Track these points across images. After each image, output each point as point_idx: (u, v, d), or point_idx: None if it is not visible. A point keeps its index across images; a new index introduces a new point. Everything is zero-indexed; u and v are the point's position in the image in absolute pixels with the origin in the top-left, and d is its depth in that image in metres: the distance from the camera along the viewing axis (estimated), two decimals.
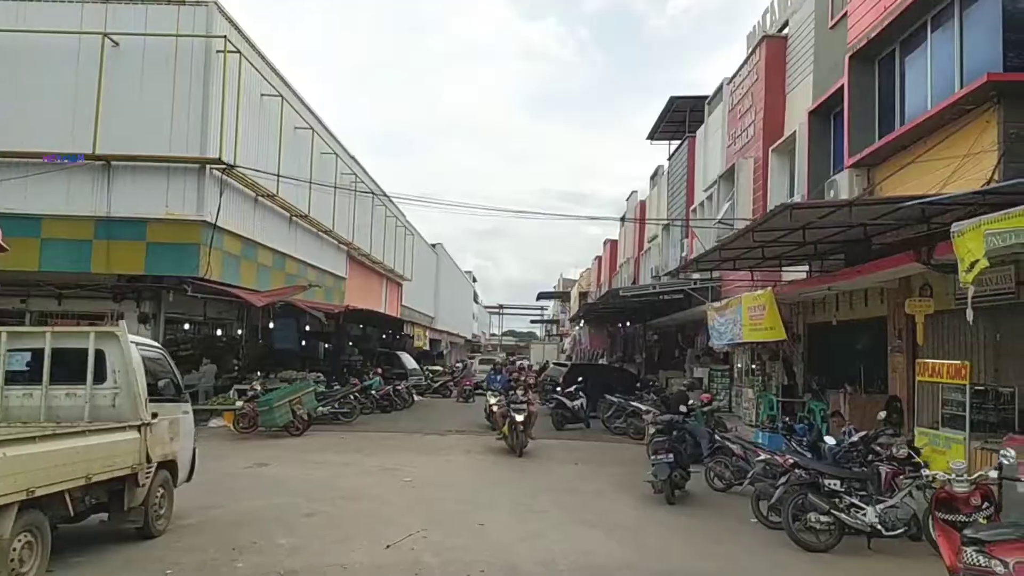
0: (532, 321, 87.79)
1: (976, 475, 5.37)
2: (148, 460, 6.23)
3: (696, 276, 18.51)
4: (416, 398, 25.91)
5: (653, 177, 28.59)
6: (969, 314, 6.82)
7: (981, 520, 5.10)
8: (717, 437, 10.45)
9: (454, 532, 7.41)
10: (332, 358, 28.66)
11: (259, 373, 17.17)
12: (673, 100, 22.86)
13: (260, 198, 18.76)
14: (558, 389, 18.61)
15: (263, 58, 18.92)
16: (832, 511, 6.91)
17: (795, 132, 13.89)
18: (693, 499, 9.47)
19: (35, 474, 4.67)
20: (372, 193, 28.91)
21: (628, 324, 27.09)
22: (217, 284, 16.29)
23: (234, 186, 17.15)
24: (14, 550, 4.59)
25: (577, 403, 17.99)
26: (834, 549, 6.91)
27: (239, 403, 14.80)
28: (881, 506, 6.97)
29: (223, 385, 17.62)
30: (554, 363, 25.48)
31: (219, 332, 21.07)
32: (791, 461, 7.65)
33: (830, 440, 8.56)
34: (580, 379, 18.42)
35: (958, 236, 6.80)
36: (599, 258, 45.23)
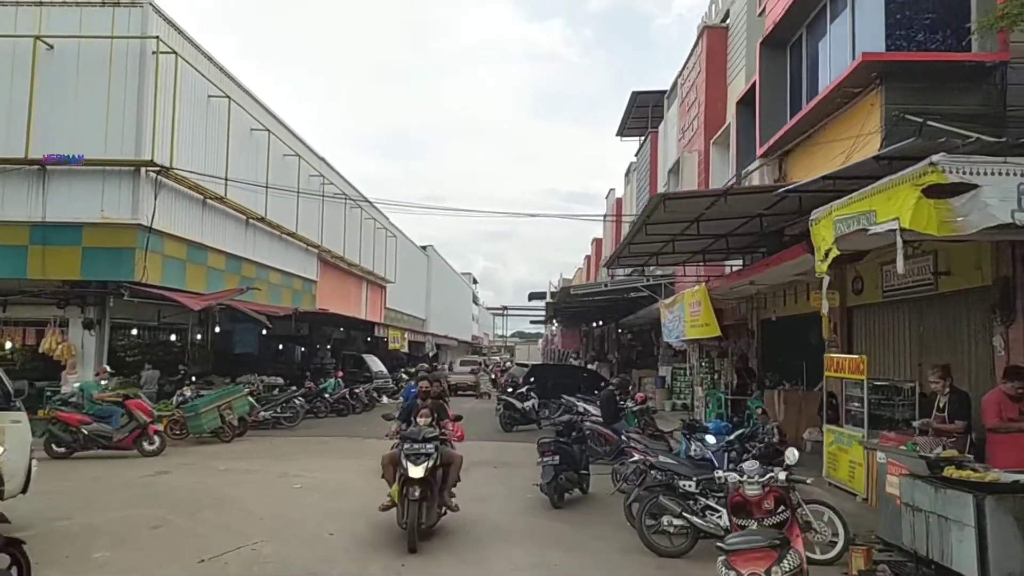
0: (532, 322, 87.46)
1: (766, 476, 5.00)
2: None
3: (659, 273, 18.14)
4: (386, 400, 25.75)
5: (627, 174, 28.23)
6: (824, 306, 6.43)
7: (767, 525, 4.74)
8: (623, 438, 10.08)
9: (293, 542, 7.11)
10: (305, 361, 28.55)
11: (194, 379, 16.95)
12: (636, 95, 22.45)
13: (209, 200, 18.59)
14: (509, 390, 18.30)
15: (209, 59, 18.74)
16: (684, 513, 6.55)
17: (730, 123, 13.50)
18: (587, 502, 9.11)
19: None
20: (345, 196, 28.71)
21: (600, 323, 26.66)
22: (155, 288, 16.10)
23: (175, 188, 16.96)
24: None
25: (528, 404, 17.66)
26: (689, 554, 6.53)
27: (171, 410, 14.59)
28: None
29: (169, 391, 17.46)
30: (517, 363, 25.17)
31: (173, 337, 20.95)
32: (648, 462, 7.30)
33: (710, 439, 8.19)
34: (532, 379, 18.07)
35: (814, 224, 6.43)
36: (588, 257, 44.90)
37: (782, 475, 4.93)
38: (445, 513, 7.64)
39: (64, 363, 16.27)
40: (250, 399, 14.91)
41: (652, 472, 7.21)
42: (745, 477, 4.94)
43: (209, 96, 18.48)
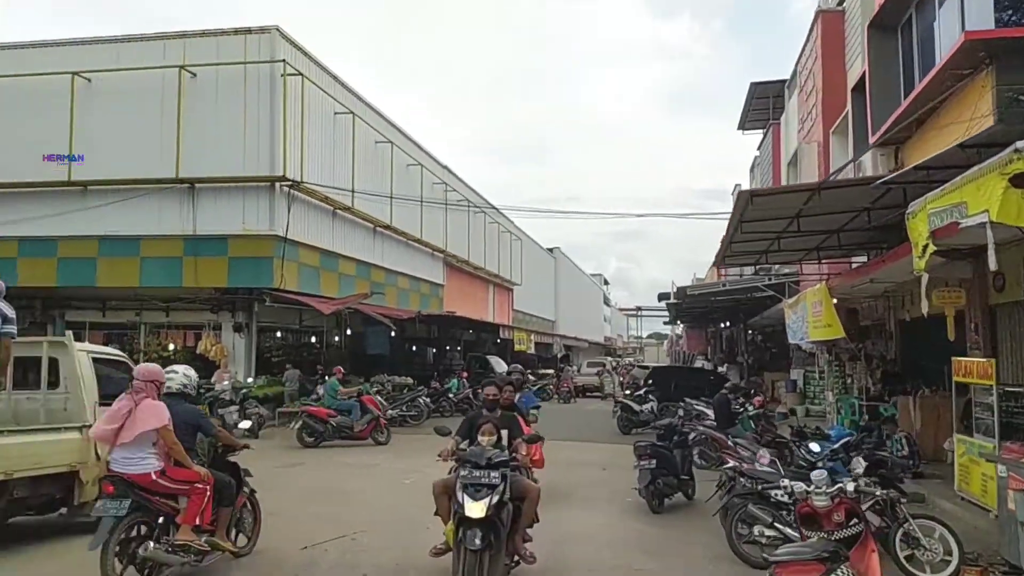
0: (664, 323, 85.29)
1: (834, 488, 4.63)
2: (98, 459, 6.81)
3: (786, 271, 17.27)
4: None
5: (752, 169, 26.99)
6: (924, 306, 5.90)
7: (836, 538, 4.39)
8: (731, 443, 9.67)
9: (391, 534, 7.42)
10: (436, 362, 29.64)
11: (326, 378, 18.02)
12: (755, 87, 21.38)
13: (338, 211, 19.80)
14: (626, 392, 18.06)
15: (334, 78, 19.96)
16: (776, 524, 6.21)
17: (847, 112, 12.59)
18: (689, 508, 8.82)
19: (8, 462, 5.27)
20: (468, 202, 29.52)
21: (727, 324, 25.63)
22: (292, 293, 17.33)
23: (306, 201, 18.19)
24: None
25: (647, 407, 17.36)
26: None
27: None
28: None
29: (309, 390, 18.73)
30: (638, 365, 24.69)
31: (312, 339, 22.44)
32: (738, 468, 6.98)
33: (814, 447, 7.68)
34: (651, 382, 17.73)
35: (910, 219, 5.91)
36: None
37: (851, 486, 4.59)
38: (517, 564, 5.87)
39: (218, 363, 17.84)
40: (377, 398, 15.69)
41: (742, 480, 6.89)
42: (812, 487, 4.64)
43: (335, 113, 19.66)
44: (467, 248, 29.87)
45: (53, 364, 6.97)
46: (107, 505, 4.85)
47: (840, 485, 4.58)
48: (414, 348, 31.79)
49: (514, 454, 6.11)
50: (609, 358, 49.97)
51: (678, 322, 34.89)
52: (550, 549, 6.74)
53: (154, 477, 5.32)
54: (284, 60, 17.00)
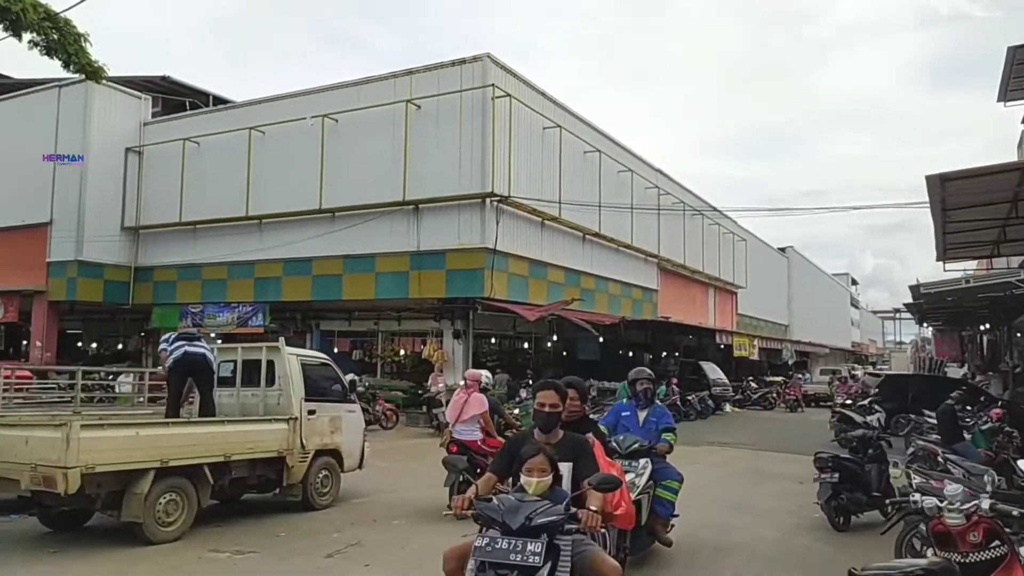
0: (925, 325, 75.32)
1: (968, 505, 3.98)
2: (303, 447, 8.11)
3: None
4: (729, 408, 25.30)
5: (1020, 146, 23.12)
6: None
7: (971, 561, 3.80)
8: (942, 457, 8.60)
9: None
10: (652, 368, 29.47)
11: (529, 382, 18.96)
12: (1013, 51, 18.33)
13: (546, 222, 20.69)
14: (848, 402, 16.59)
15: (543, 95, 20.92)
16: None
17: None
18: (880, 528, 8.03)
19: (167, 450, 6.61)
20: (684, 205, 29.01)
21: (987, 326, 22.15)
22: (501, 302, 18.51)
23: (515, 214, 19.26)
24: (160, 504, 6.53)
25: (873, 418, 15.85)
26: None
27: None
28: None
29: (516, 392, 19.81)
30: (868, 373, 22.19)
31: (525, 345, 23.61)
32: (921, 486, 6.22)
33: (1022, 463, 6.61)
34: (877, 391, 16.09)
35: None
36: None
37: (986, 503, 4.00)
38: None
39: (440, 367, 19.57)
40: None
41: (913, 499, 6.20)
42: (945, 503, 4.12)
43: (544, 128, 20.59)
44: (682, 251, 29.34)
45: (270, 366, 8.39)
46: (452, 458, 5.95)
47: (976, 502, 4.09)
48: (631, 354, 31.87)
49: (576, 508, 3.62)
50: (858, 366, 45.70)
51: (924, 324, 30.96)
52: (702, 558, 6.65)
53: (479, 444, 8.41)
54: (493, 84, 18.23)
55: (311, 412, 8.30)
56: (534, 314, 17.85)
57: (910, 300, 20.27)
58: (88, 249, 22.07)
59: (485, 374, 9.36)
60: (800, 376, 32.60)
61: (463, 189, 18.40)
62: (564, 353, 26.10)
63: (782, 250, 47.25)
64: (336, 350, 22.72)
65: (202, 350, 7.85)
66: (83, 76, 17.59)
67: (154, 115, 24.32)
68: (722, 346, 33.73)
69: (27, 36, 15.98)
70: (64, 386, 13.07)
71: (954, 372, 24.72)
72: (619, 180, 24.69)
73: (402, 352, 21.35)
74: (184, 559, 6.22)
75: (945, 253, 11.49)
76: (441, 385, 18.14)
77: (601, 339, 22.21)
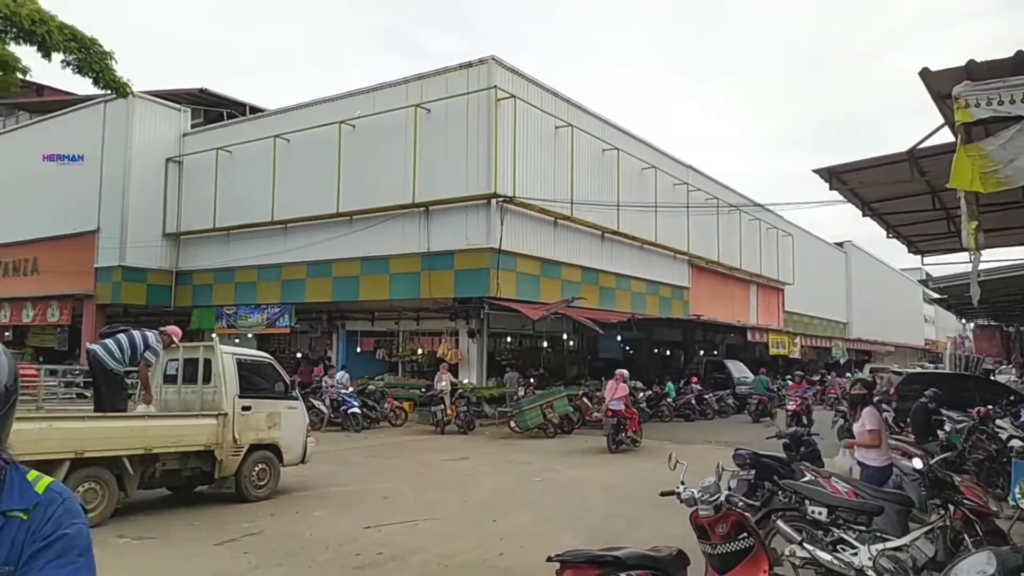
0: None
1: (714, 497, 3.90)
2: (235, 441, 8.50)
3: None
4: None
5: None
6: None
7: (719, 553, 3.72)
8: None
9: (453, 525, 7.89)
10: (684, 367, 28.96)
11: (559, 381, 18.99)
12: None
13: (559, 221, 20.70)
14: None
15: (555, 95, 20.95)
16: (805, 544, 5.36)
17: None
18: None
19: (83, 442, 7.10)
20: (717, 200, 28.36)
21: None
22: (506, 301, 18.66)
23: (523, 214, 19.35)
24: (78, 493, 7.10)
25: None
26: None
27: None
28: (881, 546, 5.12)
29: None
30: (893, 372, 20.98)
31: (544, 344, 23.64)
32: (783, 482, 6.05)
33: (916, 463, 6.34)
34: (886, 390, 15.35)
35: None
36: None
37: (723, 497, 3.93)
38: None
39: (444, 366, 19.83)
40: (565, 401, 16.20)
41: (779, 494, 6.02)
42: (699, 495, 4.06)
43: (556, 127, 20.62)
44: (716, 248, 28.68)
45: (207, 364, 8.85)
46: (608, 421, 9.42)
47: (719, 495, 4.06)
48: (668, 352, 31.42)
49: None
50: (929, 364, 43.42)
51: (963, 320, 29.15)
52: None
53: (623, 411, 13.98)
54: (496, 86, 18.41)
55: (246, 408, 8.70)
56: (537, 313, 17.92)
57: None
58: (132, 255, 23.45)
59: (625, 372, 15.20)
60: (837, 375, 31.29)
61: (469, 190, 18.64)
62: (575, 351, 25.97)
63: (839, 245, 45.41)
64: (360, 349, 23.46)
65: (95, 347, 8.32)
66: (111, 91, 18.96)
67: (194, 126, 25.61)
68: (758, 345, 32.83)
69: (57, 56, 17.38)
70: (68, 383, 14.03)
71: (1004, 373, 23.24)
72: (643, 177, 24.40)
73: (419, 351, 21.78)
74: None
75: (913, 247, 10.88)
76: (444, 383, 18.41)
77: (619, 337, 22.02)
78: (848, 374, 33.44)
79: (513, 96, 18.74)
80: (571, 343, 24.52)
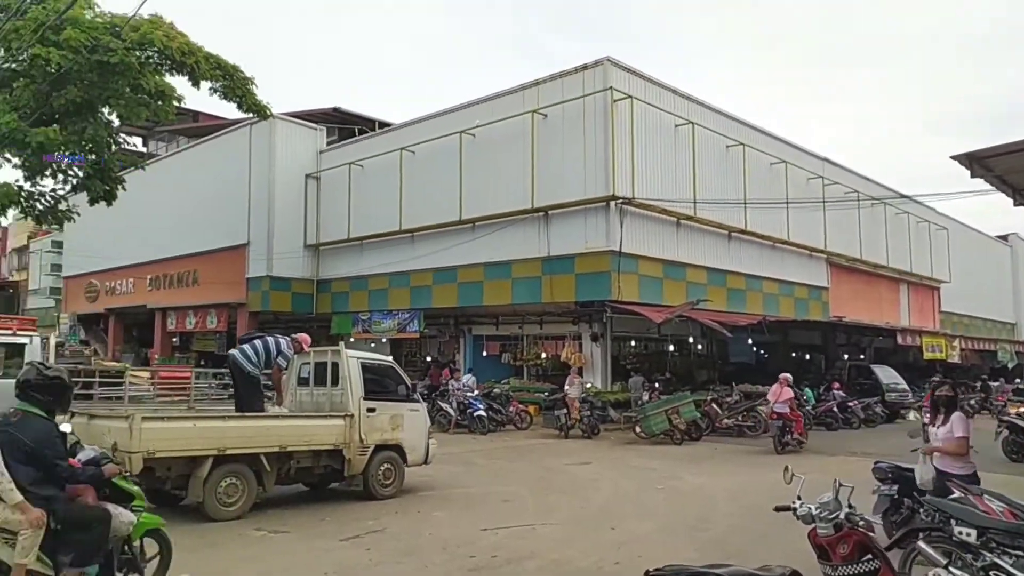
0: None
1: (832, 515, 3.47)
2: (361, 442, 8.88)
3: None
4: (914, 416, 22.73)
5: None
6: None
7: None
8: None
9: (571, 530, 7.78)
10: (826, 371, 27.26)
11: (686, 386, 18.42)
12: None
13: (682, 221, 20.16)
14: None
15: (674, 92, 20.47)
16: (951, 568, 4.81)
17: None
18: None
19: (224, 440, 7.65)
20: (858, 194, 26.51)
21: None
22: (628, 304, 18.37)
23: (643, 215, 19.02)
24: (221, 487, 7.62)
25: None
26: None
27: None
28: None
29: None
30: None
31: (671, 348, 23.01)
32: (926, 499, 5.44)
33: None
34: None
35: None
36: None
37: (843, 513, 3.53)
38: None
39: (575, 369, 19.81)
40: (691, 407, 15.65)
41: (922, 512, 5.43)
42: (817, 512, 3.69)
43: (675, 125, 20.12)
44: (858, 244, 26.82)
45: (335, 368, 9.30)
46: (774, 423, 10.28)
47: (838, 512, 3.73)
48: (807, 357, 29.71)
49: None
50: None
51: None
52: None
53: (788, 414, 14.55)
54: (611, 87, 18.23)
55: (371, 410, 9.09)
56: (660, 316, 17.51)
57: None
58: (278, 265, 25.20)
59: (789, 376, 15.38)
60: (1006, 381, 28.24)
61: (588, 193, 18.56)
62: (704, 355, 25.05)
63: (1003, 238, 41.13)
64: (486, 353, 23.90)
65: (234, 352, 8.93)
66: (254, 115, 20.48)
67: (330, 143, 27.17)
68: (911, 348, 30.33)
69: (205, 84, 19.00)
70: (214, 385, 15.20)
71: None
72: (772, 173, 23.30)
73: (543, 355, 21.89)
74: (224, 535, 7.23)
75: None
76: (575, 388, 18.35)
77: (750, 340, 21.11)
78: (1017, 380, 30.23)
79: (630, 96, 18.49)
80: (699, 347, 23.76)
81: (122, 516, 4.90)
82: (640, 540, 7.56)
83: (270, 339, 9.07)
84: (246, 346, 8.90)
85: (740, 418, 16.97)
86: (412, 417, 9.66)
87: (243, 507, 7.87)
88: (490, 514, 8.54)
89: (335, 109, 27.50)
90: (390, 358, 10.52)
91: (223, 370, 18.65)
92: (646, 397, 16.76)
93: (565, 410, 16.91)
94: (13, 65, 17.00)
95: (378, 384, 9.39)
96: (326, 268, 26.14)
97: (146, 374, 21.99)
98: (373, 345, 24.61)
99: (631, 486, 10.77)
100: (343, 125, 28.16)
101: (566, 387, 18.36)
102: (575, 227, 19.01)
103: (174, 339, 30.83)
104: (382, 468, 9.21)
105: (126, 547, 5.07)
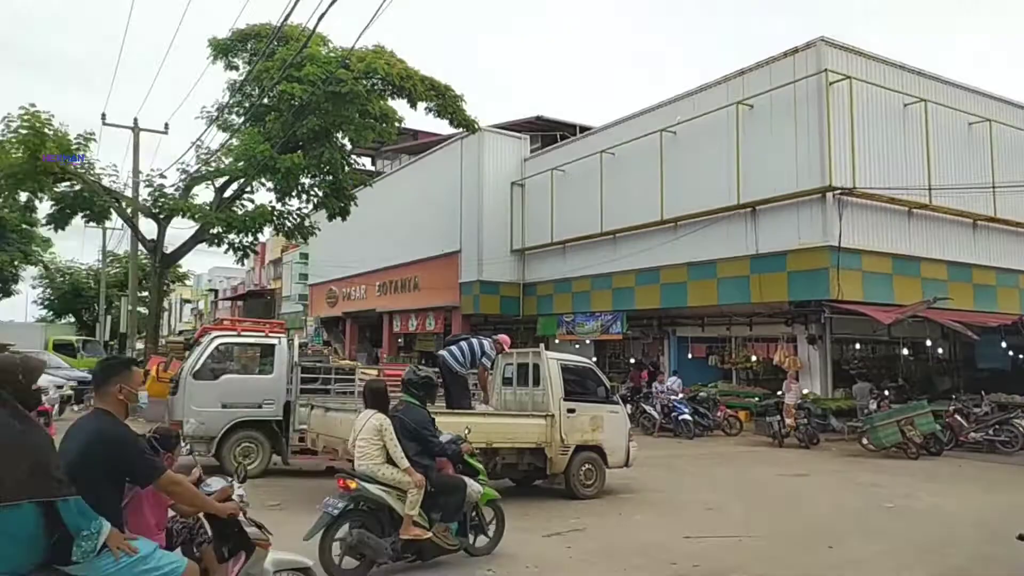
0: None
1: None
2: (562, 442, 9.03)
3: None
4: None
5: None
6: None
7: None
8: None
9: (781, 546, 7.25)
10: None
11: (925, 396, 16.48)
12: None
13: (914, 211, 18.16)
14: None
15: (904, 69, 18.50)
16: None
17: None
18: None
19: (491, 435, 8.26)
20: None
21: None
22: (850, 304, 16.89)
23: (866, 205, 17.40)
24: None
25: None
26: None
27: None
28: None
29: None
30: None
31: (905, 351, 20.68)
32: None
33: None
34: None
35: None
36: None
37: None
38: None
39: (792, 374, 18.62)
40: (929, 418, 13.95)
41: None
42: None
43: (904, 105, 18.19)
44: None
45: (535, 369, 9.57)
46: None
47: None
48: None
49: None
50: None
51: None
52: None
53: None
54: (827, 69, 16.91)
55: (570, 411, 9.26)
56: (890, 316, 15.87)
57: None
58: (487, 270, 26.52)
59: None
60: None
61: (800, 186, 17.37)
62: (944, 359, 22.14)
63: None
64: (691, 355, 23.27)
65: (443, 352, 9.44)
66: (463, 129, 21.81)
67: (533, 150, 28.06)
68: None
69: (421, 105, 20.57)
70: None
71: None
72: None
73: (753, 358, 20.84)
74: None
75: None
76: (792, 395, 17.28)
77: (1004, 343, 18.47)
78: None
79: (848, 77, 17.00)
80: (939, 351, 21.15)
81: (473, 486, 6.29)
82: (862, 563, 6.94)
83: (474, 340, 9.59)
84: (453, 347, 9.49)
85: (992, 432, 14.86)
86: (612, 419, 9.70)
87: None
88: (693, 522, 8.32)
89: (538, 117, 28.34)
90: (591, 360, 10.66)
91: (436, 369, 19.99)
92: (874, 406, 15.27)
93: (779, 417, 15.95)
94: (265, 101, 19.68)
95: (578, 385, 9.55)
96: (531, 271, 27.00)
97: (374, 372, 24.12)
98: (577, 346, 24.98)
99: (854, 502, 9.90)
100: (546, 132, 28.94)
101: (783, 392, 17.32)
102: (786, 222, 17.86)
103: (399, 340, 33.62)
104: (583, 468, 9.36)
105: (474, 513, 6.44)
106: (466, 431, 6.99)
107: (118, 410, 3.53)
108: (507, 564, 6.49)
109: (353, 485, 5.79)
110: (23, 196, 20.11)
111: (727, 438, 17.68)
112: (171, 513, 4.07)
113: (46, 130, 18.28)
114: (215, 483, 4.19)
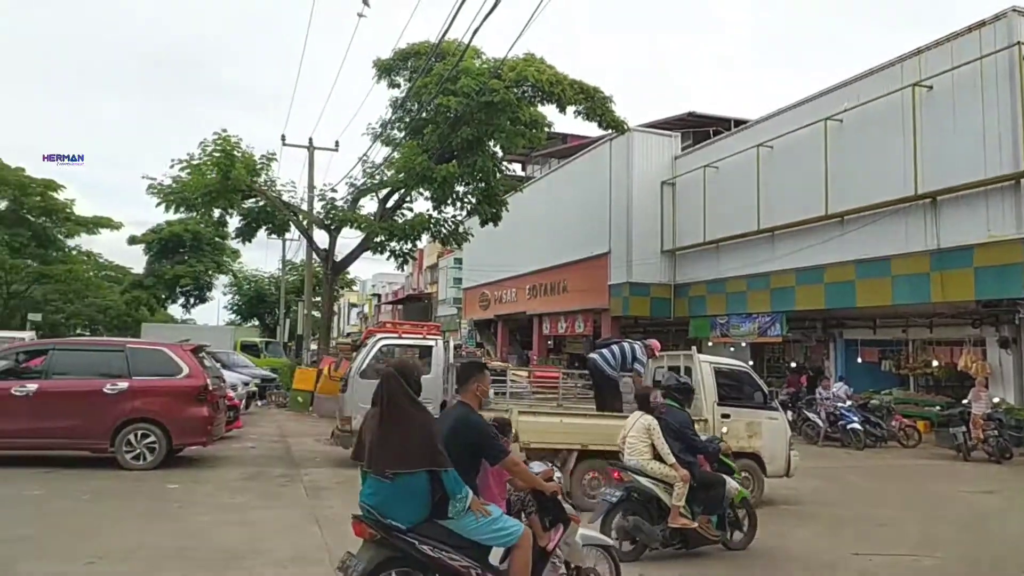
0: None
1: None
2: None
3: None
4: None
5: None
6: None
7: None
8: None
9: (963, 569, 6.65)
10: None
11: None
12: None
13: None
14: None
15: None
16: None
17: None
18: None
19: (586, 436, 8.18)
20: None
21: None
22: None
23: None
24: (584, 480, 8.21)
25: None
26: None
27: None
28: None
29: None
30: None
31: None
32: None
33: None
34: None
35: None
36: None
37: None
38: None
39: (981, 381, 16.84)
40: None
41: None
42: None
43: None
44: None
45: (687, 372, 9.33)
46: None
47: None
48: None
49: None
50: None
51: None
52: None
53: None
54: (1019, 42, 15.18)
55: (725, 415, 8.96)
56: None
57: None
58: (636, 271, 26.18)
59: None
60: None
61: (989, 172, 15.70)
62: None
63: None
64: (860, 359, 21.69)
65: (594, 355, 9.38)
66: (612, 130, 21.74)
67: (684, 148, 27.36)
68: None
69: (570, 109, 20.75)
70: (580, 385, 16.24)
71: None
72: None
73: (934, 363, 19.05)
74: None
75: None
76: (981, 404, 15.61)
77: None
78: None
79: None
80: None
81: (729, 484, 6.87)
82: None
83: (625, 344, 9.54)
84: (604, 351, 9.51)
85: None
86: (771, 426, 9.27)
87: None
88: (862, 538, 7.78)
89: (689, 114, 27.62)
90: (748, 363, 10.25)
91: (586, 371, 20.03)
92: None
93: (964, 428, 14.47)
94: (423, 114, 20.72)
95: (733, 390, 9.24)
96: (682, 272, 26.32)
97: (525, 373, 24.64)
98: (732, 349, 24.06)
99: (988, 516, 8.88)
100: (697, 129, 28.13)
101: (970, 400, 15.71)
102: (972, 213, 16.19)
103: (548, 342, 34.02)
104: (740, 476, 9.00)
105: (729, 509, 6.87)
106: (723, 431, 7.59)
107: (475, 403, 4.43)
108: (653, 572, 6.40)
109: (627, 478, 6.53)
110: (216, 212, 22.45)
111: (903, 450, 16.29)
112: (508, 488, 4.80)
113: (235, 152, 20.34)
114: (537, 466, 5.01)
